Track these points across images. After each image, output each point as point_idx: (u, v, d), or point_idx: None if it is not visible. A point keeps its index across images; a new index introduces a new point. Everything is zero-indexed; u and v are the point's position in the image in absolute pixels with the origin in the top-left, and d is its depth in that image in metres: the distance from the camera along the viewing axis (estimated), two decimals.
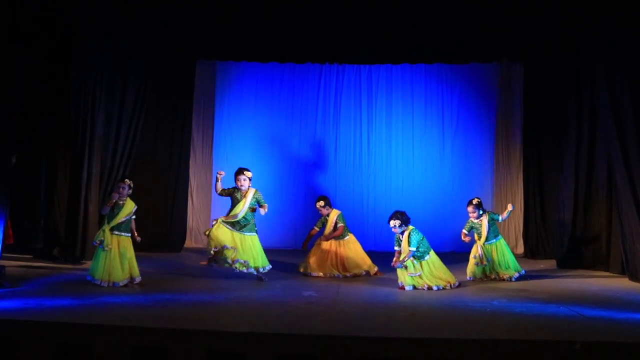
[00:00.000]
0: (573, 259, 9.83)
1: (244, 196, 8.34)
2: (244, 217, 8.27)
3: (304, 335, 5.63)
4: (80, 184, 9.41)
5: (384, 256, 10.10)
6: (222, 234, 8.23)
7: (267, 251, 8.45)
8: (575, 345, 5.38)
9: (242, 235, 8.28)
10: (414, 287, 7.93)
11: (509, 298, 7.40)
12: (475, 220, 8.83)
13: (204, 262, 8.59)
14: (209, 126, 12.07)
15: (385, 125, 12.06)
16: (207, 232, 8.40)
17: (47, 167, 9.79)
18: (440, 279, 8.07)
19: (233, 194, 8.38)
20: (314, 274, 8.89)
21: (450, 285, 8.07)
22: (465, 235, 8.91)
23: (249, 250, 8.27)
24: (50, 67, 9.62)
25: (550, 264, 10.11)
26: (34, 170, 9.82)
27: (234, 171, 8.49)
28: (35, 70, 9.48)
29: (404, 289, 7.92)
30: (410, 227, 8.09)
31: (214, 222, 8.39)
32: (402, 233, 8.06)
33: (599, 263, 9.57)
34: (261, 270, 8.33)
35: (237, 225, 8.27)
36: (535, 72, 11.11)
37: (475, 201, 8.89)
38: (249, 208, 8.33)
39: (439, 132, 12.04)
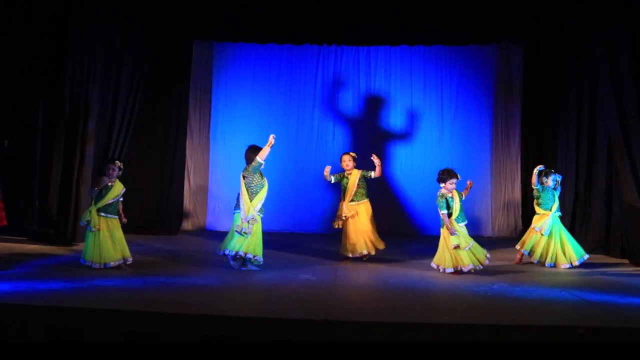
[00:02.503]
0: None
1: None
2: None
3: (300, 320, 5.51)
4: (73, 165, 9.27)
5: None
6: None
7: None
8: (579, 330, 5.27)
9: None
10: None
11: (509, 282, 7.29)
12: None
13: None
14: (206, 107, 11.91)
15: (384, 107, 11.88)
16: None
17: (43, 148, 9.68)
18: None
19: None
20: (365, 252, 8.60)
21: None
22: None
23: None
24: (45, 48, 9.51)
25: None
26: (30, 151, 9.72)
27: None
28: (30, 50, 9.32)
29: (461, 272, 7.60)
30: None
31: None
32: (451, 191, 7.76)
33: (599, 247, 9.46)
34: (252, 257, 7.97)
35: None
36: (534, 53, 11.04)
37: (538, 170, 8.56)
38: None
39: (438, 115, 11.90)
